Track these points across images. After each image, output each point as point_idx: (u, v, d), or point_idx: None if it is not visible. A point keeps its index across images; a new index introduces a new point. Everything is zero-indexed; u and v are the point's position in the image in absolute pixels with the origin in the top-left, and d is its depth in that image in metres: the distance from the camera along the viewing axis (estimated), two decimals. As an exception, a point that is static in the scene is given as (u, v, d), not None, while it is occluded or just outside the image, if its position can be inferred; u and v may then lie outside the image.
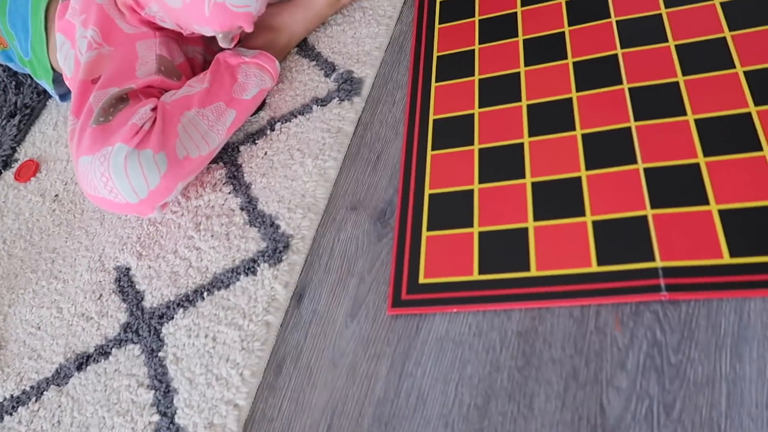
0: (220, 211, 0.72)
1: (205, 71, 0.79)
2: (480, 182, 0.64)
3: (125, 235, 0.76)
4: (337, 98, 0.78)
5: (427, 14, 0.85)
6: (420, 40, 0.82)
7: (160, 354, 0.63)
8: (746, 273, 0.48)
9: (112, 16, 0.79)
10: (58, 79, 0.93)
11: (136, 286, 0.70)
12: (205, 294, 0.65)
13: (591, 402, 0.45)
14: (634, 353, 0.46)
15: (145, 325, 0.66)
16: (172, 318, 0.65)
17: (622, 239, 0.54)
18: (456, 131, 0.69)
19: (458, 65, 0.76)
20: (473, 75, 0.74)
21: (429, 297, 0.57)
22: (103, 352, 0.66)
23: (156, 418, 0.58)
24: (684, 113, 0.61)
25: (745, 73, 0.61)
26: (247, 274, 0.65)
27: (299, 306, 0.62)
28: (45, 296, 0.75)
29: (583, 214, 0.57)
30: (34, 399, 0.66)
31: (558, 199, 0.59)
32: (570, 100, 0.67)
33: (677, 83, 0.64)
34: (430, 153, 0.69)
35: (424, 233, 0.62)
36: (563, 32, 0.74)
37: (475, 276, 0.56)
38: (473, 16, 0.81)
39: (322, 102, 0.78)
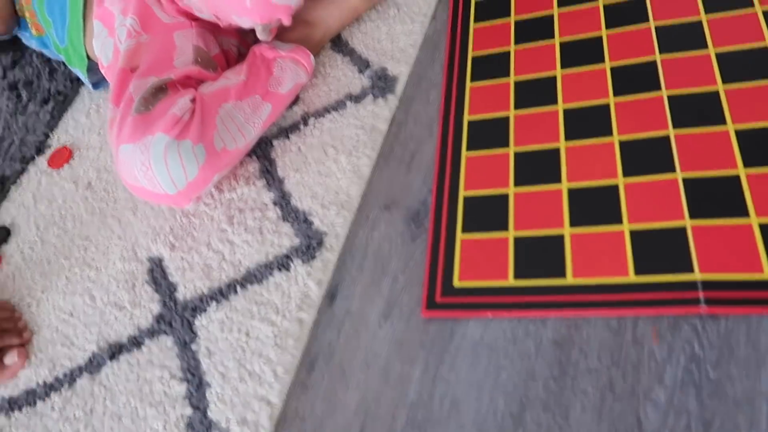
0: (253, 205, 0.73)
1: (240, 63, 0.79)
2: (515, 186, 0.63)
3: (158, 226, 0.77)
4: (371, 95, 0.78)
5: (462, 13, 0.84)
6: (455, 39, 0.81)
7: (193, 347, 0.64)
8: (789, 290, 0.48)
9: (150, 5, 0.79)
10: (92, 67, 0.94)
11: (169, 278, 0.71)
12: (239, 288, 0.66)
13: (628, 415, 0.45)
14: (672, 367, 0.46)
15: (178, 317, 0.67)
16: (205, 311, 0.66)
17: (660, 249, 0.54)
18: (491, 133, 0.69)
19: (493, 66, 0.76)
20: (509, 76, 0.74)
21: (463, 301, 0.57)
22: (135, 342, 0.67)
23: (189, 411, 0.59)
24: (724, 123, 0.60)
25: (790, 84, 0.60)
26: (280, 270, 0.65)
27: (332, 304, 0.62)
28: (78, 284, 0.76)
29: (620, 222, 0.57)
30: (66, 386, 0.68)
31: (595, 206, 0.59)
32: (607, 105, 0.66)
33: (717, 92, 0.63)
34: (464, 154, 0.68)
35: (459, 235, 0.62)
36: (600, 36, 0.73)
37: (510, 281, 0.56)
38: (509, 16, 0.81)
39: (356, 98, 0.78)
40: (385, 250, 0.64)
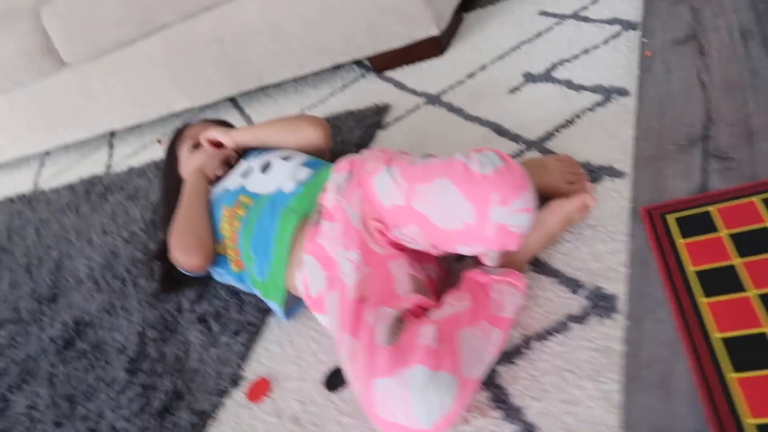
0: (494, 439, 0.68)
1: (455, 289, 0.81)
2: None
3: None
4: (595, 315, 0.76)
5: (663, 230, 0.85)
6: (665, 255, 0.81)
7: None
8: None
9: (365, 239, 0.84)
10: (287, 299, 0.98)
11: None
12: None
13: None
14: None
15: None
16: None
17: None
18: (753, 351, 0.65)
19: (723, 280, 0.74)
20: (745, 290, 0.71)
21: None
22: None
23: None
24: None
25: None
26: None
27: None
28: None
29: None
30: None
31: None
32: None
33: None
34: (731, 375, 0.63)
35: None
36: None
37: None
38: (716, 231, 0.81)
39: (579, 319, 0.76)
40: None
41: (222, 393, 0.95)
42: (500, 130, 1.22)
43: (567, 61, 1.32)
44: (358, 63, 1.92)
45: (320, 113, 1.70)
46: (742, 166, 0.87)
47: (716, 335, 0.68)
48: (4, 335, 1.43)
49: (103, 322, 1.27)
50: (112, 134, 2.60)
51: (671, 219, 0.85)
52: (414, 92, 1.57)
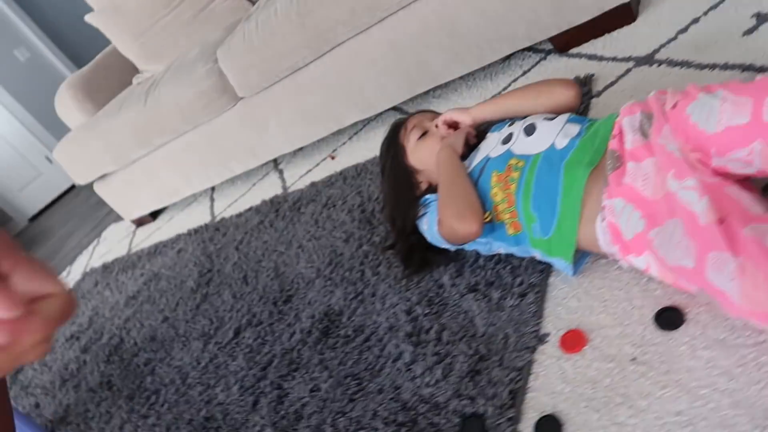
0: None
1: None
2: None
3: None
4: None
5: None
6: None
7: None
8: None
9: (695, 166, 0.81)
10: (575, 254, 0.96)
11: None
12: None
13: None
14: None
15: None
16: None
17: None
18: None
19: None
20: None
21: None
22: None
23: None
24: None
25: None
26: None
27: None
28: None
29: None
30: None
31: None
32: None
33: None
34: None
35: None
36: None
37: None
38: None
39: None
40: None
41: (532, 349, 0.94)
42: (755, 68, 1.16)
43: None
44: (529, 48, 1.91)
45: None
46: None
47: None
48: (249, 336, 1.50)
49: (354, 309, 1.31)
50: (275, 161, 2.73)
51: None
52: (615, 59, 1.54)
